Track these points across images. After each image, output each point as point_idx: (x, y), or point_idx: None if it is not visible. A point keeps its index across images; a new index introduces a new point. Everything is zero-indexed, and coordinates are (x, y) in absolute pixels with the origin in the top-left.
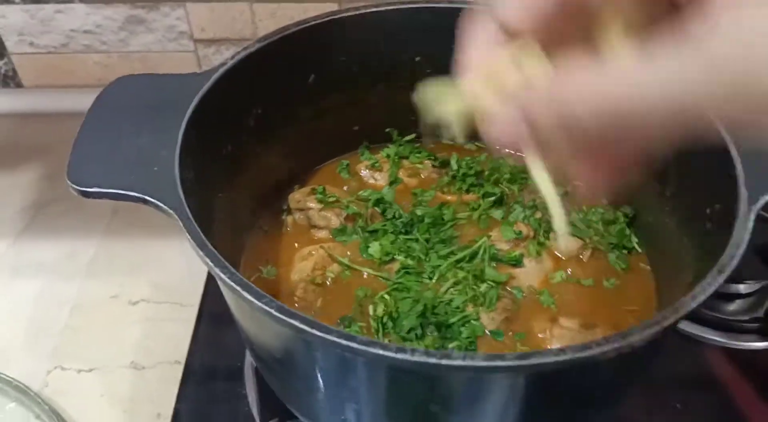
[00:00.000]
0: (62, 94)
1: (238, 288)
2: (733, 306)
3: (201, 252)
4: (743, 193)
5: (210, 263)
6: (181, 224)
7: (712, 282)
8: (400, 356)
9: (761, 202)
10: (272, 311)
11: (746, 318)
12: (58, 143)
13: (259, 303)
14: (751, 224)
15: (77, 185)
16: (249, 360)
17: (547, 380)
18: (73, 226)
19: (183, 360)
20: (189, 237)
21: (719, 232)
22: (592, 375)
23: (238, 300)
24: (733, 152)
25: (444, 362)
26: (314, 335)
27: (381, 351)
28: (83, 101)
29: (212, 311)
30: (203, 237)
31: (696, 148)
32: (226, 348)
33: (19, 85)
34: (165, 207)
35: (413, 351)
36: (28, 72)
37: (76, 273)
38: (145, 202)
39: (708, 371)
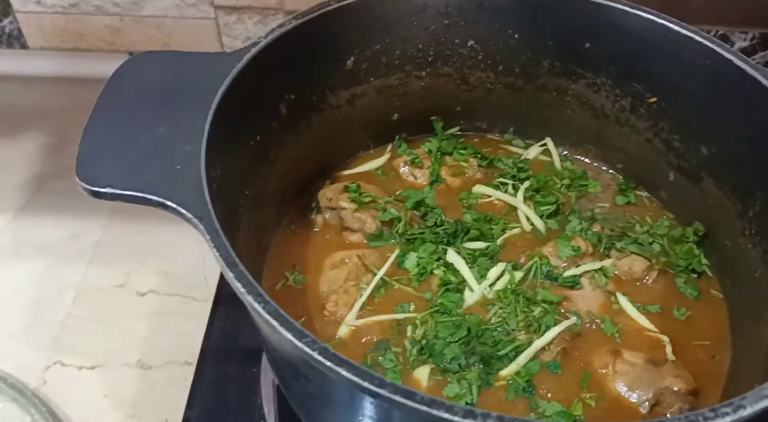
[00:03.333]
0: (69, 58)
1: (275, 323)
2: None
3: (231, 275)
4: None
5: (241, 289)
6: (208, 237)
7: None
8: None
9: None
10: (315, 354)
11: None
12: (62, 110)
13: (300, 344)
14: None
15: (88, 184)
16: (266, 365)
17: None
18: (77, 204)
19: (193, 361)
20: (217, 254)
21: None
22: None
23: (273, 334)
24: None
25: None
26: (366, 388)
27: (445, 415)
28: (91, 66)
29: (227, 309)
30: (234, 254)
31: None
32: (240, 351)
33: (24, 46)
34: (189, 214)
35: (485, 416)
36: (33, 32)
37: (79, 256)
38: (166, 207)
39: None
